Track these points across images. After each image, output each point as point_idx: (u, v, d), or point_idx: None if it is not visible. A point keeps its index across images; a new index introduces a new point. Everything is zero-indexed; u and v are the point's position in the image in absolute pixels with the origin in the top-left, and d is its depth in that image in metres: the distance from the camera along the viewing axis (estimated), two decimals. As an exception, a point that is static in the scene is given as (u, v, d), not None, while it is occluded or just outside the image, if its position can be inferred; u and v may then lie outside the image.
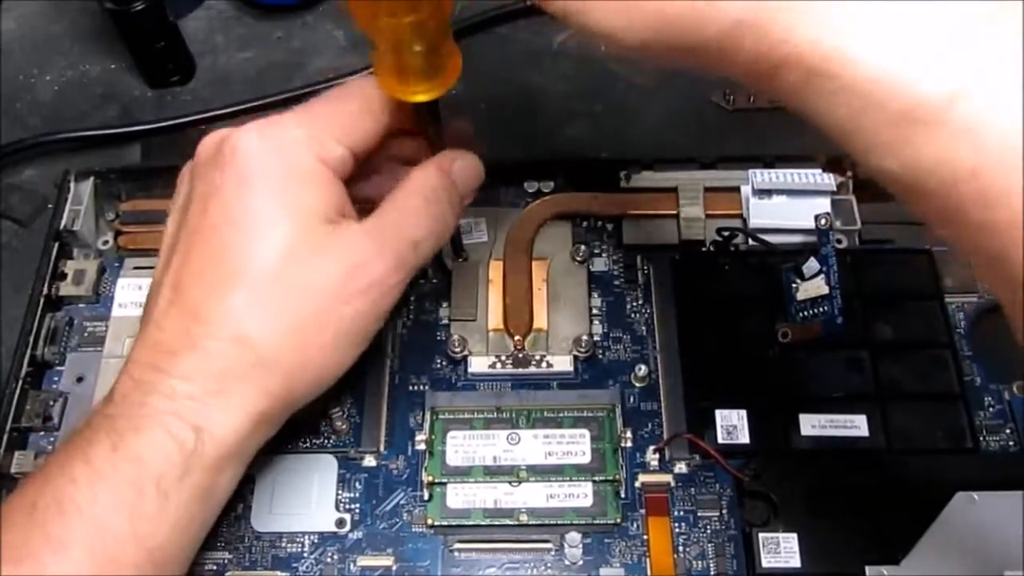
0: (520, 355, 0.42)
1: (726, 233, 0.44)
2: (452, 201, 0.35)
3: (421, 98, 0.31)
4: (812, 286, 0.41)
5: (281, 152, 0.32)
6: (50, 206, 0.48)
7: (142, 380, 0.31)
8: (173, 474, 0.30)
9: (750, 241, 0.44)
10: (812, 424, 0.39)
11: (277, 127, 0.33)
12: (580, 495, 0.38)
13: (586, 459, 0.39)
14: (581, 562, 0.37)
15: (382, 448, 0.40)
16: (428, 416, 0.40)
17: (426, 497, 0.38)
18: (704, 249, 0.45)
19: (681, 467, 0.39)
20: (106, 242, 0.46)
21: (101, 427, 0.30)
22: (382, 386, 0.41)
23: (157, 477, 0.30)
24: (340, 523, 0.38)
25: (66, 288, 0.44)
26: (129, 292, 0.44)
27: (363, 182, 0.36)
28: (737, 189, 0.46)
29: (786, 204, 0.45)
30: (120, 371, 0.32)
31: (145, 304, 0.34)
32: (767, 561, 0.36)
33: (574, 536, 0.37)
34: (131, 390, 0.31)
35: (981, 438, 0.39)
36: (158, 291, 0.33)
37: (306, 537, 0.38)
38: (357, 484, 0.39)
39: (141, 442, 0.30)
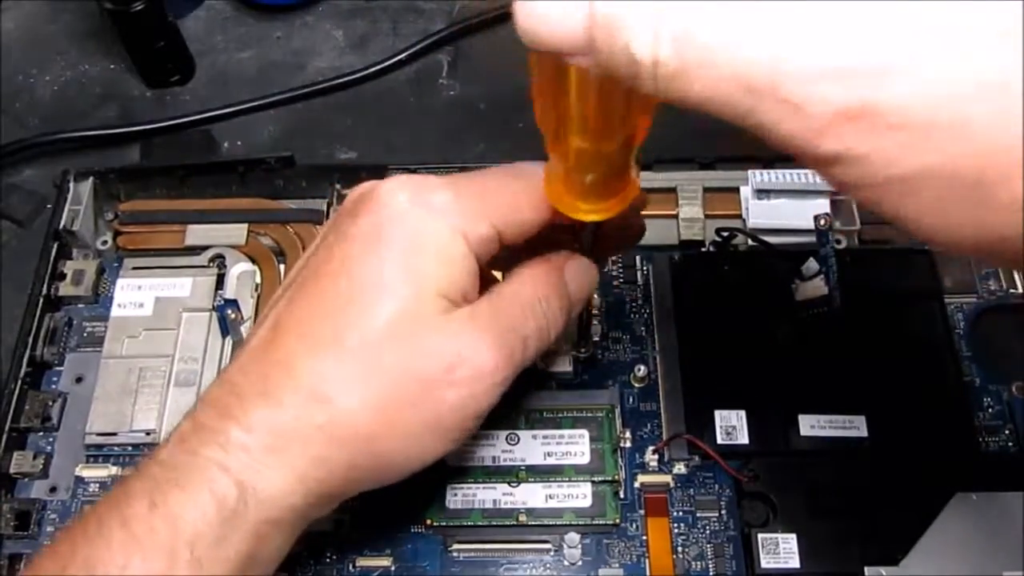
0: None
1: (726, 233, 0.44)
2: (563, 305, 0.33)
3: (588, 218, 0.30)
4: (812, 286, 0.41)
5: (424, 217, 0.30)
6: (49, 206, 0.48)
7: (203, 425, 0.30)
8: (209, 537, 0.28)
9: (750, 241, 0.44)
10: (811, 424, 0.39)
11: (427, 190, 0.31)
12: (579, 495, 0.38)
13: (585, 459, 0.39)
14: (580, 562, 0.37)
15: (381, 448, 0.40)
16: (427, 416, 0.40)
17: (426, 497, 0.38)
18: (704, 249, 0.45)
19: (680, 468, 0.39)
20: (105, 242, 0.46)
21: (145, 477, 0.29)
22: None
23: (192, 541, 0.28)
24: (339, 523, 0.38)
25: (65, 288, 0.44)
26: (128, 292, 0.44)
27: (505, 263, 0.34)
28: (737, 189, 0.45)
29: (786, 204, 0.45)
30: (194, 404, 0.31)
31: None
32: (766, 562, 0.36)
33: (573, 536, 0.37)
34: (189, 433, 0.30)
35: (980, 438, 0.39)
36: (261, 324, 0.32)
37: (305, 537, 0.38)
38: (356, 484, 0.39)
39: (180, 500, 0.28)
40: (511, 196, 0.31)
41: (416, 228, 0.30)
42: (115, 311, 0.43)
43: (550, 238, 0.33)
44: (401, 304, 0.30)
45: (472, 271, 0.31)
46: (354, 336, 0.29)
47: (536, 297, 0.32)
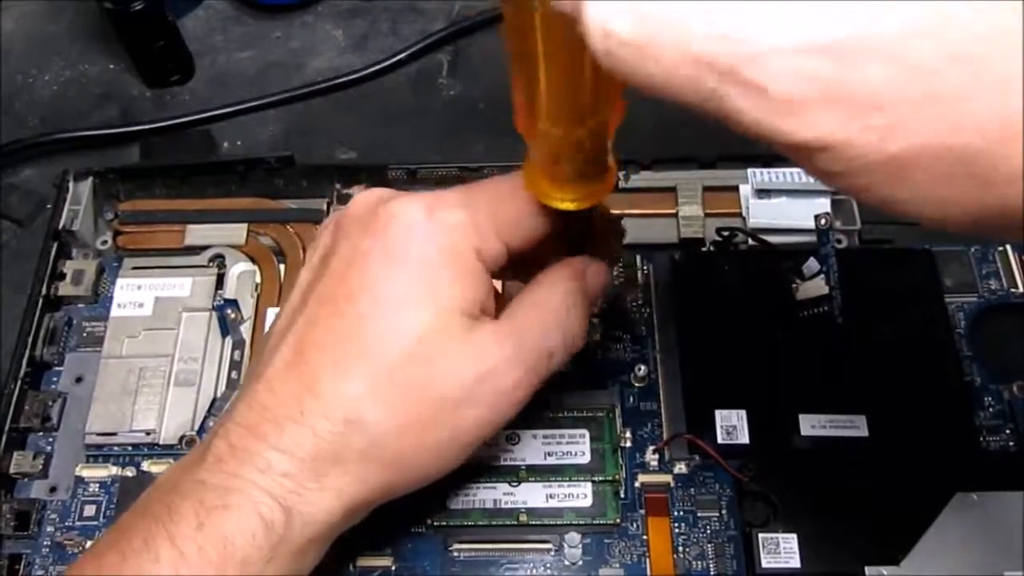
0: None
1: (726, 233, 0.44)
2: (586, 311, 0.33)
3: (568, 207, 0.30)
4: (812, 286, 0.41)
5: (439, 236, 0.30)
6: (49, 206, 0.48)
7: (239, 447, 0.30)
8: (258, 559, 0.29)
9: (750, 241, 0.44)
10: (812, 424, 0.39)
11: (441, 208, 0.31)
12: (580, 495, 0.38)
13: (585, 459, 0.39)
14: (580, 562, 0.37)
15: (381, 448, 0.40)
16: (427, 416, 0.40)
17: (425, 497, 0.38)
18: (704, 249, 0.45)
19: (681, 467, 0.39)
20: (105, 242, 0.46)
21: (189, 495, 0.29)
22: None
23: (241, 562, 0.28)
24: (339, 523, 0.38)
25: (65, 288, 0.44)
26: (128, 292, 0.44)
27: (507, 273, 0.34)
28: (736, 188, 0.46)
29: (786, 204, 0.45)
30: (219, 424, 0.31)
31: (260, 352, 0.33)
32: (767, 561, 0.36)
33: (573, 536, 0.37)
34: (226, 454, 0.30)
35: (981, 438, 0.39)
36: (277, 346, 0.31)
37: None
38: (356, 484, 0.39)
39: (229, 523, 0.28)
40: (517, 211, 0.32)
41: (434, 247, 0.31)
42: (115, 311, 0.43)
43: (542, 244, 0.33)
44: (425, 323, 0.30)
45: (489, 286, 0.31)
46: (381, 356, 0.30)
47: (565, 306, 0.32)
